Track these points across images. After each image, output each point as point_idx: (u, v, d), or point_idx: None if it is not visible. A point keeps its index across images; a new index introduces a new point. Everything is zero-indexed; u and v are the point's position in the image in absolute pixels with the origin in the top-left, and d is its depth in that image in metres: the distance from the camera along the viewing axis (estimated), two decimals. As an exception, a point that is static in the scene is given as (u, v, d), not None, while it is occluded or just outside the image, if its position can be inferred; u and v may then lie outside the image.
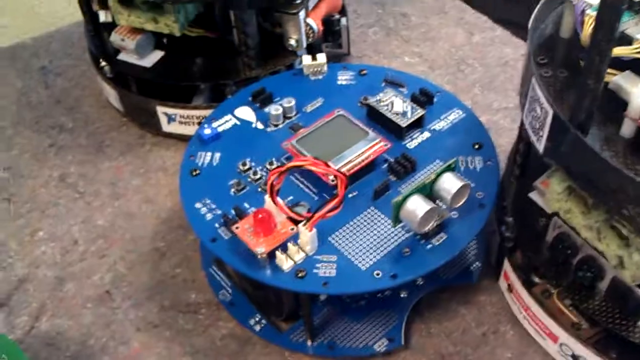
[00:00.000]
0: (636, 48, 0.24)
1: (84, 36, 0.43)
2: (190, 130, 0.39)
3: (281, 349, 0.30)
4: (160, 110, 0.39)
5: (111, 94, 0.41)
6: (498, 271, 0.32)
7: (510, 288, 0.31)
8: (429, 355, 0.30)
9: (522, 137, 0.29)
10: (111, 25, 0.39)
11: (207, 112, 0.37)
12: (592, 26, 0.24)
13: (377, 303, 0.30)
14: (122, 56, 0.39)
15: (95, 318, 0.32)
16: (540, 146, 0.25)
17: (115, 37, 0.39)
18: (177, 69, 0.39)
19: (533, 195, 0.29)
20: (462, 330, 0.31)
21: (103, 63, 0.41)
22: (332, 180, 0.28)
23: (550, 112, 0.24)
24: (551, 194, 0.26)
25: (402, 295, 0.30)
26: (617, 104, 0.24)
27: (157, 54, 0.39)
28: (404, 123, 0.31)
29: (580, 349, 0.28)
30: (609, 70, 0.23)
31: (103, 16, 0.39)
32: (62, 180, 0.39)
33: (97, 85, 0.43)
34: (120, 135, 0.41)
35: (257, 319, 0.30)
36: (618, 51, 0.24)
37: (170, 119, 0.39)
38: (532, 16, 0.27)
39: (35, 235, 0.36)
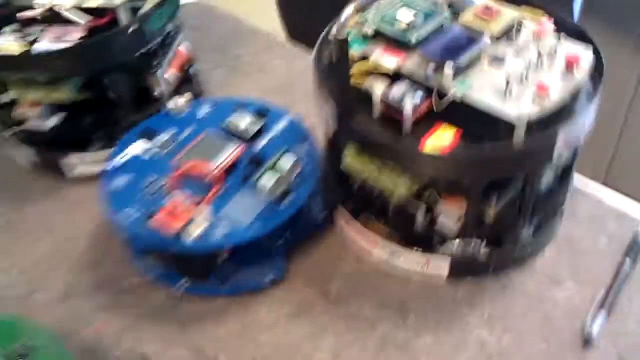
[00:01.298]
0: (373, 66, 0.39)
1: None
2: (95, 169, 0.50)
3: (204, 296, 0.43)
4: (66, 160, 0.51)
5: (22, 156, 0.52)
6: (335, 216, 0.47)
7: (344, 225, 0.46)
8: (303, 279, 0.44)
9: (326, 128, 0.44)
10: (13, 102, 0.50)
11: (104, 154, 0.49)
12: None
13: (264, 253, 0.44)
14: (27, 124, 0.50)
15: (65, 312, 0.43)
16: (335, 129, 0.41)
17: (19, 112, 0.49)
18: (74, 126, 0.50)
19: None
20: (321, 259, 0.45)
21: (10, 133, 0.51)
22: (210, 174, 0.42)
23: (334, 108, 0.39)
24: (349, 157, 0.42)
25: (280, 243, 0.44)
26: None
27: (57, 117, 0.50)
28: (251, 132, 0.45)
29: (392, 247, 0.43)
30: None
31: (6, 97, 0.49)
32: (0, 229, 0.49)
33: (8, 152, 0.53)
34: (38, 186, 0.52)
35: (183, 282, 0.43)
36: (362, 68, 0.39)
37: (76, 165, 0.51)
38: (314, 50, 0.42)
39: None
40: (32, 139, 0.51)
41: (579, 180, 0.48)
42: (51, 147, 0.51)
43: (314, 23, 0.47)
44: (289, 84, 0.60)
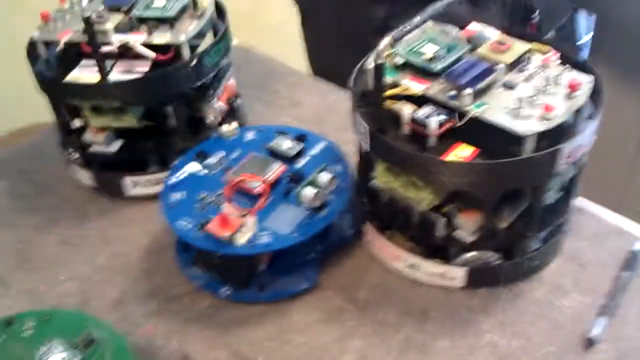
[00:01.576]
0: (403, 89, 0.46)
1: (51, 140, 0.59)
2: (150, 190, 0.56)
3: (243, 303, 0.48)
4: (127, 180, 0.57)
5: (85, 177, 0.58)
6: (363, 232, 0.52)
7: (372, 239, 0.51)
8: (333, 288, 0.49)
9: (359, 148, 0.50)
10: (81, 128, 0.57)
11: (160, 175, 0.55)
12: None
13: (299, 264, 0.49)
14: (92, 148, 0.57)
15: (118, 317, 0.48)
16: (367, 147, 0.46)
17: (88, 136, 0.56)
18: (133, 150, 0.57)
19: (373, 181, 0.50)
20: (350, 270, 0.50)
21: (76, 155, 0.58)
22: (257, 188, 0.48)
23: (367, 127, 0.45)
24: (379, 173, 0.47)
25: (313, 255, 0.50)
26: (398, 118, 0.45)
27: (119, 141, 0.56)
28: (292, 153, 0.51)
29: (413, 259, 0.48)
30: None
31: (77, 123, 0.56)
32: (63, 243, 0.55)
33: (70, 173, 0.59)
34: (97, 204, 0.57)
35: (225, 289, 0.48)
36: (393, 91, 0.45)
37: (134, 184, 0.57)
38: (351, 79, 0.48)
39: (59, 276, 0.52)
40: (94, 161, 0.57)
41: (582, 201, 0.53)
42: (111, 169, 0.57)
43: (336, 62, 0.53)
44: (320, 116, 0.65)
